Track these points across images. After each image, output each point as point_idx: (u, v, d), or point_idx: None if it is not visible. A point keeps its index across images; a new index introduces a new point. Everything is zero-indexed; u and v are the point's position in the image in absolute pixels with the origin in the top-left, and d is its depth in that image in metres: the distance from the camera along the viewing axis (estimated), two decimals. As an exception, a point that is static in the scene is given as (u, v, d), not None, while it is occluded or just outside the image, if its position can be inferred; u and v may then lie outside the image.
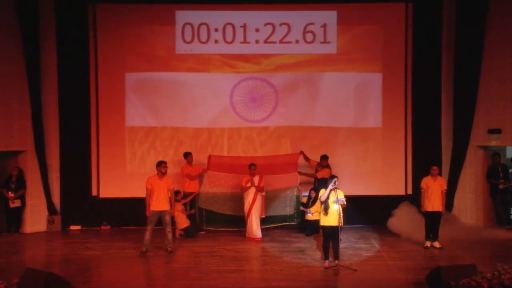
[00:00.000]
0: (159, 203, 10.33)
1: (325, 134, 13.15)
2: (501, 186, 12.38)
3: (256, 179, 11.66)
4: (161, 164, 10.47)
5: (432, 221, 10.64)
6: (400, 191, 12.88)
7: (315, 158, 12.46)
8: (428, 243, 10.66)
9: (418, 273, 8.78)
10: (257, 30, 13.07)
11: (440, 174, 12.52)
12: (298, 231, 12.20)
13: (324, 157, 12.29)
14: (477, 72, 12.27)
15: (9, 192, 12.22)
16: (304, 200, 12.32)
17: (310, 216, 11.85)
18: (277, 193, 12.31)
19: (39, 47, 12.38)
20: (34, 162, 12.50)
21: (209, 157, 12.49)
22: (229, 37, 13.07)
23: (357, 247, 10.72)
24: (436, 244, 10.62)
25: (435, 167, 10.79)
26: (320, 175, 12.13)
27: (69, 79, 12.86)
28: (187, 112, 13.11)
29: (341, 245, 9.60)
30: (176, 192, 11.71)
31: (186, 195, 12.23)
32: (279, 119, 13.15)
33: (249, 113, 13.14)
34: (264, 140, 13.17)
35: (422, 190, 10.76)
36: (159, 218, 10.40)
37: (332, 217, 9.18)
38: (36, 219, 12.59)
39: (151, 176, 10.54)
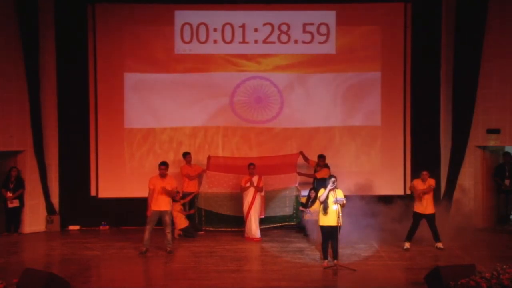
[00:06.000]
0: (159, 203, 10.34)
1: (324, 134, 13.15)
2: (503, 187, 12.46)
3: (255, 179, 11.66)
4: (159, 166, 10.49)
5: (428, 225, 10.61)
6: (399, 191, 12.88)
7: (314, 158, 12.46)
8: (407, 245, 10.62)
9: (417, 273, 8.80)
10: (256, 30, 13.06)
11: (438, 174, 12.59)
12: (297, 231, 12.20)
13: (321, 157, 12.31)
14: (476, 72, 12.28)
15: (8, 192, 12.22)
16: (304, 200, 12.32)
17: (309, 216, 11.85)
18: (276, 193, 12.31)
19: (38, 47, 12.35)
20: (33, 162, 12.48)
21: (209, 157, 12.50)
22: (228, 37, 13.06)
23: (356, 247, 10.70)
24: (439, 245, 10.56)
25: (425, 172, 10.68)
26: (319, 175, 12.13)
27: (68, 79, 12.85)
28: (186, 113, 13.09)
29: (340, 245, 9.57)
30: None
31: (185, 195, 12.22)
32: (278, 119, 13.15)
33: (248, 113, 13.13)
34: (263, 140, 13.16)
35: (412, 191, 10.72)
36: (159, 219, 10.41)
37: (331, 217, 9.20)
38: (35, 219, 12.57)
39: (154, 176, 10.57)
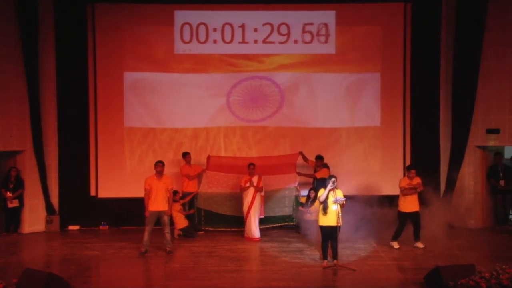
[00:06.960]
0: (157, 204, 10.34)
1: (324, 134, 13.15)
2: (499, 188, 12.46)
3: (255, 179, 11.66)
4: (156, 164, 10.49)
5: (413, 222, 10.67)
6: (399, 191, 12.84)
7: (313, 158, 12.45)
8: (396, 244, 10.65)
9: (417, 273, 8.80)
10: (255, 30, 13.05)
11: (438, 174, 12.58)
12: (297, 231, 12.18)
13: (319, 158, 12.31)
14: (475, 72, 12.28)
15: (8, 192, 12.22)
16: (303, 200, 12.31)
17: (309, 216, 11.83)
18: (276, 194, 12.30)
19: (38, 47, 12.34)
20: (33, 162, 12.48)
21: (208, 157, 12.49)
22: (227, 37, 13.05)
23: (356, 247, 10.70)
24: (419, 245, 10.63)
25: (413, 170, 10.77)
26: (319, 175, 12.12)
27: (68, 79, 12.85)
28: (186, 113, 13.08)
29: (340, 245, 9.56)
30: (175, 192, 11.71)
31: (185, 195, 12.23)
32: (278, 119, 13.14)
33: (248, 113, 13.13)
34: (262, 140, 13.16)
35: (400, 189, 10.75)
36: (158, 219, 10.40)
37: (331, 217, 9.20)
38: (34, 219, 12.57)
39: (150, 176, 10.55)
